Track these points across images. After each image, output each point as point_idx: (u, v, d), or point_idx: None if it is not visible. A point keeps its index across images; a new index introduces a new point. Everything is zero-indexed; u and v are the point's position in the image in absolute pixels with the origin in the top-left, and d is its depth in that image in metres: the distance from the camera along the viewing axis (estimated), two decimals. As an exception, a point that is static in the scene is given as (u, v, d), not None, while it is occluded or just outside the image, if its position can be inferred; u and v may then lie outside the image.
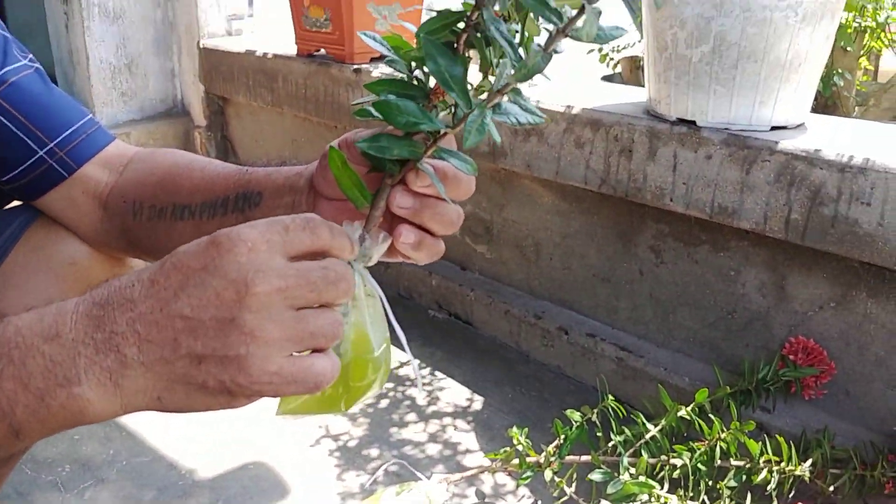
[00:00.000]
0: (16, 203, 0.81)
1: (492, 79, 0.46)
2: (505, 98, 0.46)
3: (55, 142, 0.73)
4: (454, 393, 1.43)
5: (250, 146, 2.30)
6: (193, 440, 1.28)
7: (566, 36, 0.43)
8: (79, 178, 0.74)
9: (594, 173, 1.33)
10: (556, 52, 0.44)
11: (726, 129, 1.19)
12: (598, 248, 1.45)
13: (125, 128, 2.32)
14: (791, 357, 1.20)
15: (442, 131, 0.48)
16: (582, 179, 1.35)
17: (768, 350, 1.26)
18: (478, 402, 1.40)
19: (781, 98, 1.15)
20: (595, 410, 1.16)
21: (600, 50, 2.06)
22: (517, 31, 0.47)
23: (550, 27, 0.43)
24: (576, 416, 1.16)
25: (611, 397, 1.16)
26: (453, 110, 0.47)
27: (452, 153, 0.48)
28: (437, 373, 1.50)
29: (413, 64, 0.50)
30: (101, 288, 0.45)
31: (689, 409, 1.14)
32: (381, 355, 0.51)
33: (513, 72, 0.44)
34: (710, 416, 1.14)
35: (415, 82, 0.50)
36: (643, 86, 1.36)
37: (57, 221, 0.78)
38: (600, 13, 0.42)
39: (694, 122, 1.21)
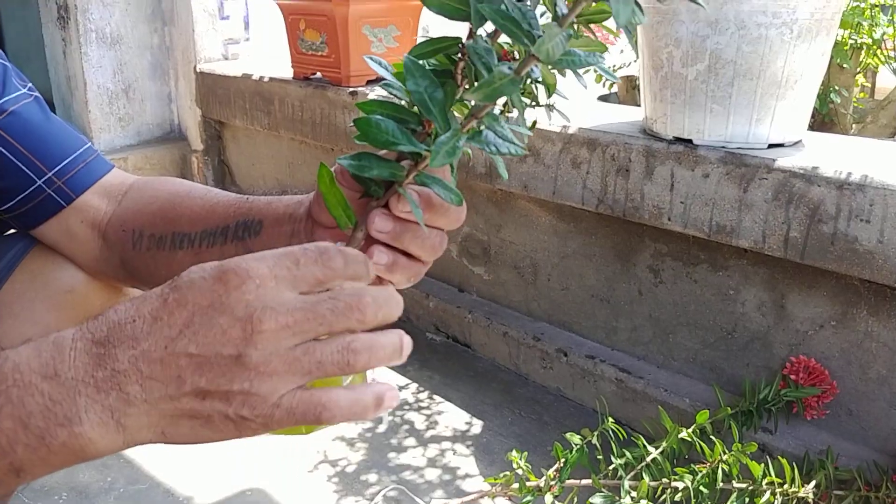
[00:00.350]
0: (13, 231, 0.80)
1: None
2: (483, 125, 0.45)
3: (53, 171, 0.73)
4: (453, 417, 1.41)
5: (247, 170, 2.30)
6: (191, 467, 1.26)
7: (537, 60, 0.41)
8: (77, 207, 0.74)
9: (591, 193, 1.32)
10: (530, 76, 0.43)
11: (723, 147, 1.18)
12: (597, 269, 1.44)
13: (122, 153, 2.32)
14: (792, 377, 1.18)
15: (423, 154, 0.47)
16: (579, 199, 1.34)
17: (769, 370, 1.24)
18: (477, 426, 1.39)
19: (778, 115, 1.15)
20: (595, 433, 1.14)
21: (595, 70, 2.06)
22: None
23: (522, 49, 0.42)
24: (575, 439, 1.14)
25: (611, 419, 1.15)
26: (434, 134, 0.46)
27: (436, 180, 0.47)
28: (435, 396, 1.48)
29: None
30: (99, 321, 0.44)
31: (690, 430, 1.12)
32: (350, 383, 0.50)
33: (478, 93, 0.42)
34: (712, 437, 1.12)
35: (412, 108, 0.49)
36: (639, 105, 1.36)
37: (54, 250, 0.78)
38: (568, 36, 0.41)
39: (690, 141, 1.21)
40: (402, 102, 0.49)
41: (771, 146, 1.17)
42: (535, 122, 1.31)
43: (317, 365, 0.43)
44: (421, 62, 0.45)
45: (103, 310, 0.83)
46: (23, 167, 0.72)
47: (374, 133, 0.45)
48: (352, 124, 0.50)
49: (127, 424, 0.42)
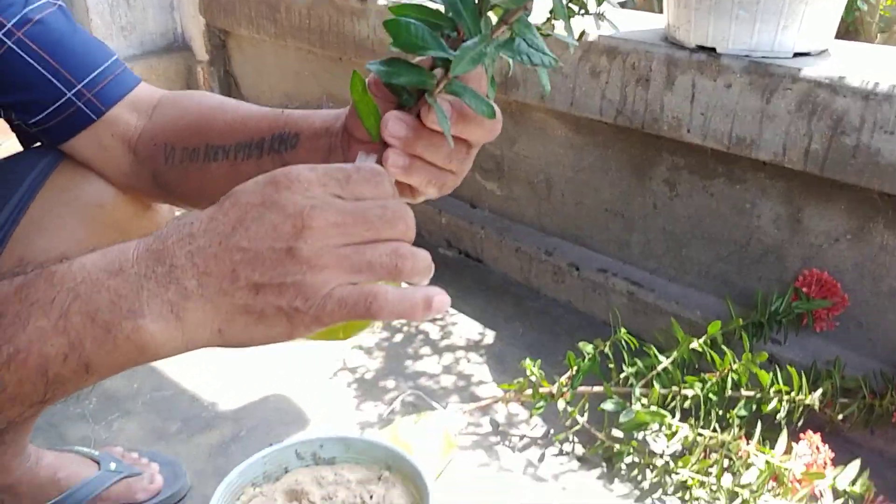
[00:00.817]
0: (38, 144, 0.80)
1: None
2: (514, 33, 0.44)
3: (83, 83, 0.72)
4: (466, 328, 1.44)
5: (253, 81, 2.26)
6: (214, 375, 1.29)
7: None
8: (107, 120, 0.73)
9: (610, 104, 1.31)
10: None
11: (747, 56, 1.16)
12: (612, 183, 1.44)
13: (126, 63, 2.27)
14: (804, 289, 1.20)
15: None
16: (597, 111, 1.33)
17: (781, 283, 1.26)
18: (489, 336, 1.41)
19: (806, 22, 1.12)
20: (608, 343, 1.16)
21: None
22: None
23: None
24: (588, 347, 1.17)
25: (623, 330, 1.17)
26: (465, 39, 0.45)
27: (467, 90, 0.46)
28: (449, 309, 1.50)
29: None
30: (161, 229, 0.45)
31: (701, 341, 1.14)
32: None
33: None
34: (723, 347, 1.15)
35: (447, 13, 0.47)
36: (658, 12, 1.32)
37: (83, 164, 0.77)
38: None
39: (714, 50, 1.19)
40: (440, 7, 0.47)
41: (796, 55, 1.15)
42: (583, 33, 1.28)
43: (366, 264, 0.44)
44: None
45: (132, 224, 0.84)
46: (52, 79, 0.71)
47: (404, 36, 0.44)
48: (373, 32, 0.48)
49: (185, 319, 0.43)
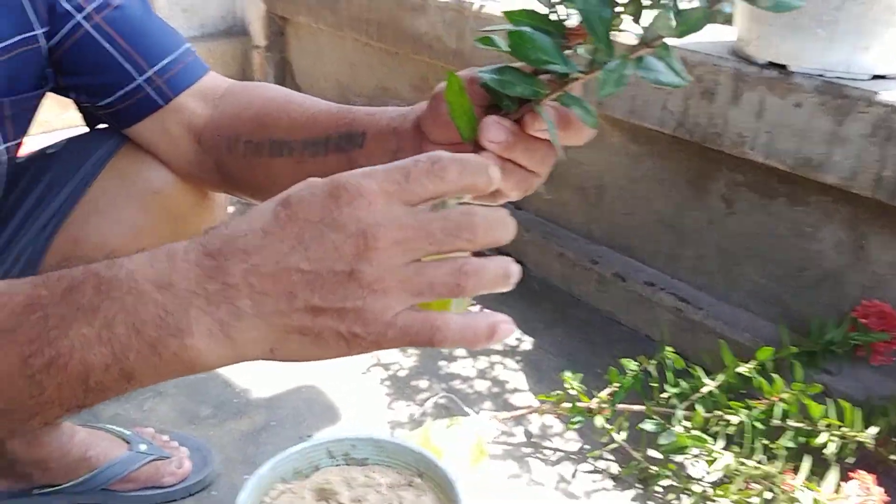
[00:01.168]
0: (102, 126, 0.80)
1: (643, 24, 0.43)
2: (649, 51, 0.43)
3: (154, 69, 0.72)
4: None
5: (309, 69, 2.26)
6: (249, 362, 1.28)
7: None
8: (174, 107, 0.73)
9: (671, 115, 1.27)
10: (721, 11, 0.39)
11: (820, 75, 1.11)
12: (666, 195, 1.40)
13: (184, 43, 2.30)
14: (863, 320, 1.15)
15: (573, 76, 0.45)
16: (657, 121, 1.29)
17: (837, 311, 1.21)
18: (527, 343, 1.39)
19: (886, 44, 1.07)
20: (654, 361, 1.13)
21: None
22: None
23: None
24: (631, 365, 1.13)
25: (669, 348, 1.13)
26: (591, 55, 0.44)
27: (577, 100, 0.46)
28: (486, 311, 1.48)
29: None
30: (211, 235, 0.43)
31: (750, 366, 1.10)
32: (458, 302, 0.49)
33: (672, 23, 0.40)
34: (772, 374, 1.10)
35: (554, 17, 0.46)
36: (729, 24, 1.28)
37: (143, 149, 0.77)
38: None
39: (785, 67, 1.14)
40: (558, 13, 0.46)
41: (874, 77, 1.10)
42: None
43: (428, 286, 0.42)
44: None
45: (189, 212, 0.83)
46: (124, 63, 0.71)
47: (528, 49, 0.44)
48: (483, 30, 0.48)
49: (236, 338, 0.42)
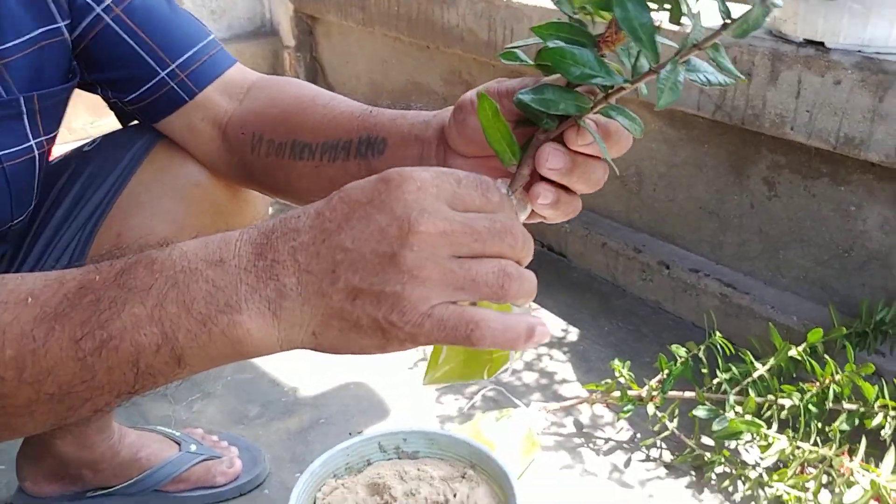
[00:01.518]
0: (137, 122, 0.81)
1: (686, 22, 0.41)
2: (698, 53, 0.42)
3: (177, 63, 0.71)
4: (549, 324, 1.40)
5: (340, 67, 2.28)
6: (295, 360, 1.31)
7: None
8: (199, 102, 0.73)
9: (708, 98, 1.26)
10: (774, 4, 0.38)
11: (859, 51, 1.09)
12: (707, 180, 1.38)
13: (216, 48, 2.32)
14: (914, 299, 1.13)
15: (617, 87, 0.43)
16: (695, 105, 1.28)
17: (886, 291, 1.19)
18: (573, 334, 1.39)
19: (929, 17, 1.05)
20: (701, 347, 1.12)
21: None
22: None
23: None
24: (681, 351, 1.13)
25: (718, 334, 1.12)
26: (633, 62, 0.43)
27: (620, 110, 0.44)
28: (531, 303, 1.48)
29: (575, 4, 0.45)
30: (269, 220, 0.44)
31: (800, 349, 1.09)
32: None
33: (728, 24, 0.39)
34: (823, 356, 1.09)
35: (578, 25, 0.45)
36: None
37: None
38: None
39: (822, 44, 1.12)
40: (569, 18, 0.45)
41: (917, 51, 1.08)
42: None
43: (471, 282, 0.42)
44: None
45: (229, 204, 0.84)
46: (146, 57, 0.71)
47: (569, 65, 0.42)
48: (509, 47, 0.47)
49: (282, 318, 0.42)
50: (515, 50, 0.47)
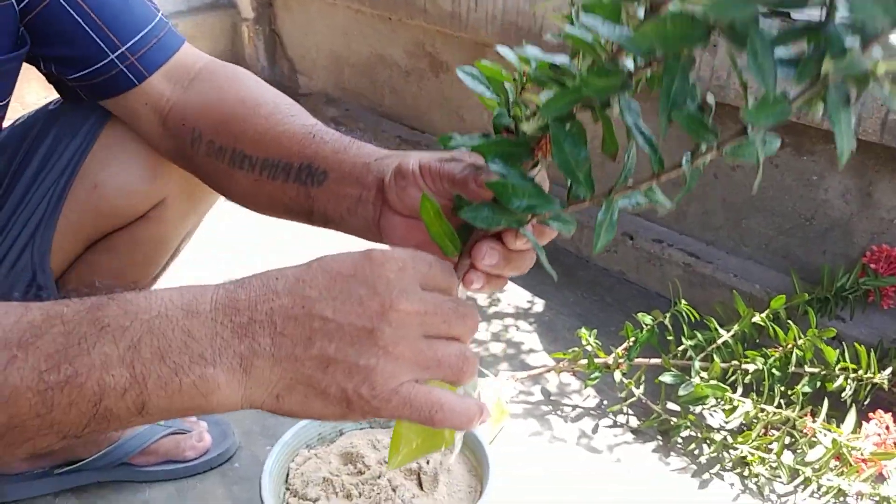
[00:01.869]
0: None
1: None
2: (631, 191, 0.46)
3: (126, 46, 0.70)
4: (515, 295, 1.41)
5: (299, 40, 2.23)
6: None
7: (719, 154, 0.41)
8: (144, 88, 0.71)
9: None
10: (703, 164, 0.42)
11: (824, 21, 1.11)
12: (671, 150, 1.39)
13: (172, 20, 2.23)
14: (872, 265, 1.16)
15: (553, 213, 0.46)
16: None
17: (847, 259, 1.21)
18: (539, 305, 1.39)
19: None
20: (667, 314, 1.13)
21: None
22: None
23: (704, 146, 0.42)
24: (646, 319, 1.14)
25: (683, 302, 1.14)
26: (568, 187, 0.45)
27: (555, 217, 0.47)
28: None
29: (510, 98, 0.48)
30: (246, 277, 0.45)
31: (763, 315, 1.11)
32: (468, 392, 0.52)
33: (658, 173, 0.44)
34: (787, 322, 1.11)
35: (511, 119, 0.48)
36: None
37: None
38: (766, 142, 0.40)
39: (788, 14, 1.13)
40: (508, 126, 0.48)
41: (880, 20, 1.09)
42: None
43: (436, 362, 0.44)
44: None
45: None
46: (95, 37, 0.69)
47: (511, 197, 0.45)
48: (450, 144, 0.49)
49: (252, 375, 0.43)
50: (453, 137, 0.49)
